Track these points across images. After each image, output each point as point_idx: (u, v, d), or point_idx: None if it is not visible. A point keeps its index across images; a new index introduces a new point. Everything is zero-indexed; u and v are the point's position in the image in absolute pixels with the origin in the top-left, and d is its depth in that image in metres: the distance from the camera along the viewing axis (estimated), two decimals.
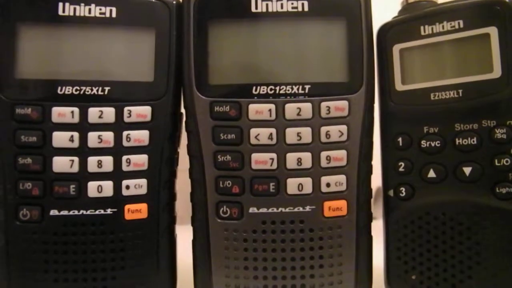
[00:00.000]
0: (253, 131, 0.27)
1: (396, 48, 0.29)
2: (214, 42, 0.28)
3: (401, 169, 0.29)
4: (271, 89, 0.28)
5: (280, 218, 0.27)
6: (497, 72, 0.27)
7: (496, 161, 0.27)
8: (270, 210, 0.27)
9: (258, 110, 0.27)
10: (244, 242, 0.27)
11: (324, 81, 0.28)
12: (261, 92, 0.28)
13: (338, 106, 0.28)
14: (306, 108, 0.28)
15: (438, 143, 0.28)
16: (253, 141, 0.27)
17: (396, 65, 0.29)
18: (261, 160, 0.27)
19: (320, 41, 0.29)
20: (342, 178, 0.28)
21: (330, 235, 0.28)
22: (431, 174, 0.28)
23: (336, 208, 0.28)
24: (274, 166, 0.27)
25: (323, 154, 0.28)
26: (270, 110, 0.27)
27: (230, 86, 0.28)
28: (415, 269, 0.28)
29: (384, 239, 0.29)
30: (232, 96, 0.27)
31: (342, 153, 0.28)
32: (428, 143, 0.28)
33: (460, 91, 0.27)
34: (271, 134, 0.27)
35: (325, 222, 0.28)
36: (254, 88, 0.28)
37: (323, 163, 0.28)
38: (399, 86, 0.29)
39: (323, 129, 0.28)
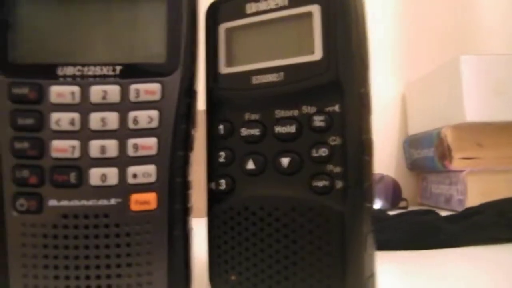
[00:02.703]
0: (54, 116, 0.25)
1: (222, 28, 0.27)
2: (17, 17, 0.25)
3: (221, 159, 0.27)
4: (78, 70, 0.25)
5: (83, 211, 0.25)
6: (318, 54, 0.25)
7: (314, 151, 0.24)
8: (72, 203, 0.25)
9: (60, 92, 0.25)
10: (43, 238, 0.25)
11: (138, 62, 0.26)
12: (67, 74, 0.25)
13: (148, 89, 0.25)
14: (113, 91, 0.25)
15: (258, 131, 0.26)
16: (53, 127, 0.25)
17: (221, 46, 0.27)
18: (62, 148, 0.25)
19: (136, 20, 0.26)
20: (151, 168, 0.25)
21: (138, 231, 0.25)
22: (251, 165, 0.26)
23: (144, 201, 0.25)
24: (76, 154, 0.25)
25: (130, 141, 0.25)
26: (73, 93, 0.25)
27: (32, 65, 0.25)
28: (234, 268, 0.26)
29: (207, 236, 0.27)
30: (34, 77, 0.25)
31: (152, 141, 0.25)
32: (248, 131, 0.26)
33: (282, 74, 0.25)
34: (73, 119, 0.25)
35: (132, 217, 0.25)
36: (59, 68, 0.25)
37: (130, 151, 0.25)
38: (223, 69, 0.27)
39: (131, 114, 0.25)
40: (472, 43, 0.84)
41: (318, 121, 0.24)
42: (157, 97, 0.25)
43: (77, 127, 0.25)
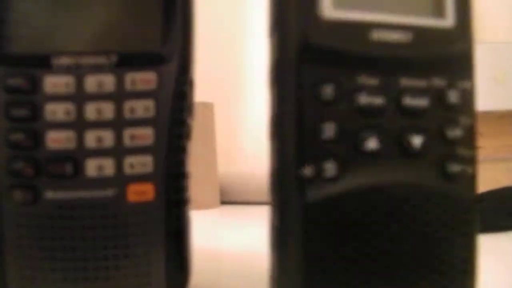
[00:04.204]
0: (49, 107, 0.25)
1: None
2: (10, 7, 0.25)
3: (327, 134, 0.20)
4: (73, 60, 0.25)
5: (80, 203, 0.25)
6: (449, 19, 0.21)
7: (448, 130, 0.21)
8: (68, 194, 0.25)
9: (54, 83, 0.25)
10: (39, 230, 0.25)
11: (134, 50, 0.25)
12: (61, 63, 0.25)
13: (144, 78, 0.25)
14: (108, 81, 0.25)
15: (381, 100, 0.20)
16: (48, 117, 0.25)
17: None
18: (57, 139, 0.25)
19: (131, 8, 0.26)
20: (148, 158, 0.25)
21: (135, 222, 0.25)
22: (372, 143, 0.20)
23: (141, 192, 0.25)
24: (72, 145, 0.25)
25: (127, 131, 0.25)
26: (68, 83, 0.25)
27: (26, 56, 0.25)
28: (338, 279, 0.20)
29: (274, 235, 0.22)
30: (28, 67, 0.25)
31: (148, 131, 0.25)
32: (369, 98, 0.20)
33: (410, 34, 0.21)
34: (68, 109, 0.25)
35: (130, 208, 0.25)
36: (53, 58, 0.25)
37: (127, 141, 0.25)
38: (329, 12, 0.20)
39: (127, 104, 0.25)
40: None
41: (453, 96, 0.21)
42: (153, 86, 0.25)
43: (72, 117, 0.25)
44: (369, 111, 0.20)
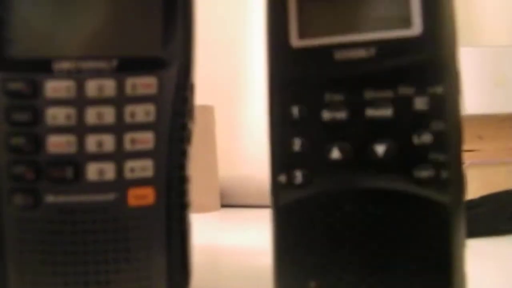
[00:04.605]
0: (50, 111, 0.25)
1: None
2: (11, 11, 0.25)
3: (296, 148, 0.23)
4: (74, 64, 0.25)
5: (81, 207, 0.25)
6: (416, 28, 0.22)
7: (415, 137, 0.22)
8: (69, 198, 0.25)
9: (55, 87, 0.25)
10: (40, 234, 0.25)
11: (135, 55, 0.25)
12: (62, 68, 0.25)
13: (145, 83, 0.25)
14: (109, 86, 0.25)
15: (345, 114, 0.22)
16: (49, 121, 0.25)
17: (291, 15, 0.23)
18: (58, 143, 0.25)
19: (131, 12, 0.26)
20: (148, 162, 0.25)
21: (136, 225, 0.25)
22: (336, 153, 0.22)
23: (141, 196, 0.25)
24: (73, 149, 0.25)
25: (127, 136, 0.25)
26: (69, 87, 0.25)
27: (27, 60, 0.25)
28: (314, 274, 0.23)
29: (274, 238, 0.24)
30: (29, 72, 0.25)
31: (149, 135, 0.25)
32: (332, 114, 0.22)
33: (372, 49, 0.22)
34: (69, 114, 0.25)
35: (130, 211, 0.25)
36: (54, 63, 0.25)
37: (127, 146, 0.25)
38: (295, 41, 0.23)
39: (128, 108, 0.25)
40: (470, 35, 0.84)
41: (420, 103, 0.22)
42: (153, 90, 0.25)
43: (73, 121, 0.25)
44: (333, 125, 0.23)
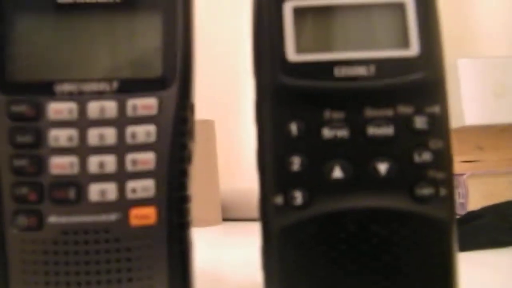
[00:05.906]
0: (52, 133, 0.25)
1: (288, 6, 0.23)
2: (14, 34, 0.26)
3: (296, 166, 0.22)
4: (75, 87, 0.25)
5: (83, 227, 0.25)
6: (413, 48, 0.22)
7: (416, 155, 0.22)
8: (71, 219, 0.25)
9: (57, 109, 0.25)
10: (44, 255, 0.25)
11: (135, 77, 0.26)
12: (64, 90, 0.25)
13: (146, 104, 0.25)
14: (110, 107, 0.25)
15: (346, 133, 0.22)
16: (52, 143, 0.25)
17: (288, 28, 0.23)
18: (61, 165, 0.25)
19: (131, 34, 0.26)
20: (150, 183, 0.25)
21: (138, 245, 0.25)
22: (337, 173, 0.22)
23: (143, 216, 0.25)
24: (75, 170, 0.25)
25: (128, 156, 0.25)
26: (71, 109, 0.25)
27: (29, 83, 0.25)
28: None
29: (265, 261, 0.23)
30: (31, 94, 0.25)
31: (150, 156, 0.25)
32: (333, 132, 0.22)
33: (372, 67, 0.22)
34: (71, 136, 0.25)
35: (132, 232, 0.25)
36: (56, 85, 0.25)
37: (129, 166, 0.25)
38: (292, 56, 0.23)
39: (129, 130, 0.25)
40: (470, 46, 0.84)
41: (420, 122, 0.22)
42: (154, 111, 0.25)
43: (75, 143, 0.25)
44: (334, 143, 0.22)
